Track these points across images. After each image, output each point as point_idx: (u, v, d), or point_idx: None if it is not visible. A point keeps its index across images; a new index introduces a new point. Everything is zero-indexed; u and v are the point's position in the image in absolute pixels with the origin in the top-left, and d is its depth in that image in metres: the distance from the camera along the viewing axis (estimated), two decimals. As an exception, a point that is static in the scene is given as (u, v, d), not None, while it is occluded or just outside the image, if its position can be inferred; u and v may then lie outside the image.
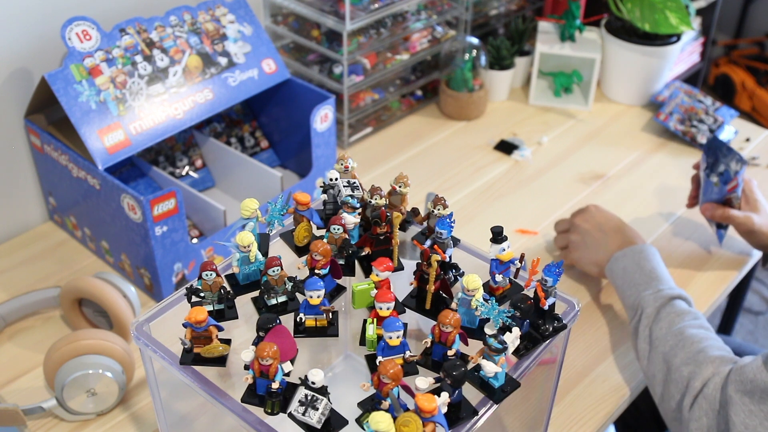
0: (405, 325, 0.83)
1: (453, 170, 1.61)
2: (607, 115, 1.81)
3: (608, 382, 1.19)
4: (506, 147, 1.68)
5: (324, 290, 0.85)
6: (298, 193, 0.93)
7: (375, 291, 0.86)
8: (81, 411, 1.08)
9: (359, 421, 0.78)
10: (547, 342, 0.86)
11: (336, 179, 0.96)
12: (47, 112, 1.35)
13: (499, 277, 0.91)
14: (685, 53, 2.22)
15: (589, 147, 1.70)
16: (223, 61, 1.36)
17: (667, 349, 1.09)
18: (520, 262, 0.91)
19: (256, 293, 0.90)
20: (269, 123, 1.57)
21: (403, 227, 0.98)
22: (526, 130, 1.74)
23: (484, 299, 0.84)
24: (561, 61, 1.84)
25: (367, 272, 0.92)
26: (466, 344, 0.83)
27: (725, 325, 1.94)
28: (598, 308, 1.31)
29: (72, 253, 1.39)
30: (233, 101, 1.37)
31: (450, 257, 0.92)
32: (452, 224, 0.91)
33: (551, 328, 0.86)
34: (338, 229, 0.91)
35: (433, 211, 0.94)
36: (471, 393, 0.80)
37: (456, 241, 0.95)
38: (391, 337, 0.79)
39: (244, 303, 0.90)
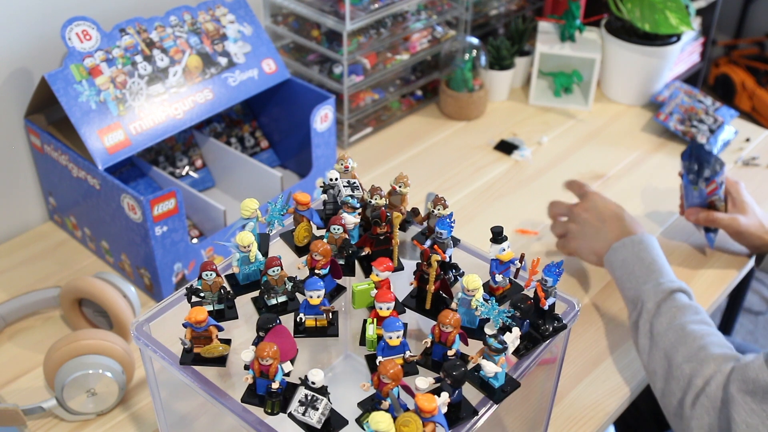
0: (405, 325, 0.83)
1: (453, 170, 1.61)
2: (607, 115, 1.81)
3: (608, 382, 1.19)
4: (506, 147, 1.68)
5: (324, 290, 0.85)
6: (298, 193, 0.93)
7: (375, 291, 0.86)
8: (81, 411, 1.08)
9: (359, 421, 0.78)
10: (547, 342, 0.86)
11: (336, 179, 0.96)
12: (47, 112, 1.35)
13: (499, 277, 0.91)
14: (685, 53, 2.22)
15: (589, 147, 1.70)
16: (223, 61, 1.37)
17: (669, 345, 1.08)
18: (520, 262, 0.91)
19: (256, 293, 0.90)
20: (269, 123, 1.57)
21: (403, 227, 0.98)
22: (526, 130, 1.74)
23: (484, 299, 0.84)
24: (561, 61, 1.84)
25: (367, 272, 0.92)
26: (466, 344, 0.83)
27: (725, 325, 1.94)
28: (598, 308, 1.31)
29: (72, 253, 1.39)
30: (233, 101, 1.37)
31: (450, 257, 0.92)
32: (452, 224, 0.91)
33: (551, 328, 0.86)
34: (338, 229, 0.91)
35: (433, 211, 0.94)
36: (471, 393, 0.80)
37: (456, 241, 0.95)
38: (391, 337, 0.79)
39: (244, 303, 0.90)
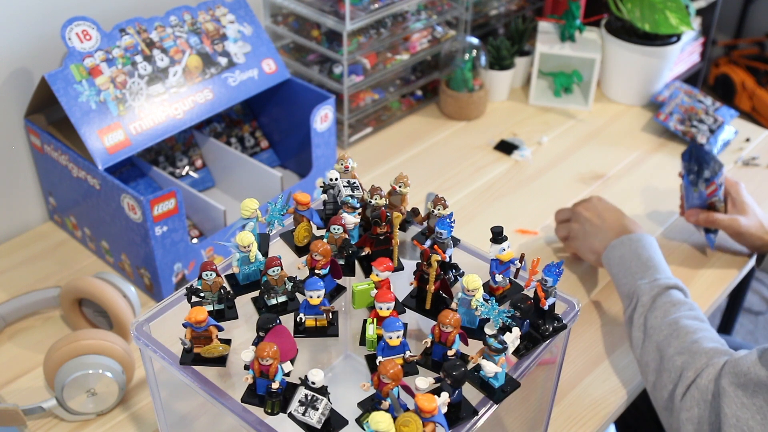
0: (405, 325, 0.83)
1: (453, 170, 1.61)
2: (607, 115, 1.81)
3: (608, 382, 1.19)
4: (506, 147, 1.68)
5: (324, 290, 0.85)
6: (298, 193, 0.93)
7: (375, 291, 0.86)
8: (81, 411, 1.08)
9: (359, 421, 0.78)
10: (547, 342, 0.86)
11: (336, 179, 0.96)
12: (47, 112, 1.35)
13: (499, 277, 0.91)
14: (685, 53, 2.22)
15: (589, 147, 1.70)
16: (223, 61, 1.37)
17: (662, 338, 1.09)
18: (520, 262, 0.91)
19: (256, 293, 0.90)
20: (269, 123, 1.57)
21: (403, 227, 0.98)
22: (526, 130, 1.74)
23: (484, 299, 0.84)
24: (561, 61, 1.84)
25: (367, 272, 0.92)
26: (466, 344, 0.83)
27: (725, 325, 1.94)
28: (598, 308, 1.31)
29: (72, 253, 1.39)
30: (233, 101, 1.37)
31: (450, 257, 0.92)
32: (452, 224, 0.91)
33: (551, 328, 0.86)
34: (338, 229, 0.91)
35: (433, 211, 0.94)
36: (471, 393, 0.80)
37: (456, 241, 0.95)
38: (391, 337, 0.79)
39: (244, 303, 0.90)
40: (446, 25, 1.77)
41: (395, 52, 1.67)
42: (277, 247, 0.95)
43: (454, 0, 1.74)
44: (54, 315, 1.27)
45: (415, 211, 0.98)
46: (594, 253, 1.29)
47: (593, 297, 1.33)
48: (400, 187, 0.96)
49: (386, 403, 0.75)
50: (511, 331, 0.82)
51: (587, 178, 1.60)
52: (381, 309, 0.83)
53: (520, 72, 1.86)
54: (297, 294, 0.88)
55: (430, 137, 1.71)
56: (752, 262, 1.41)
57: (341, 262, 0.93)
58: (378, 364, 0.77)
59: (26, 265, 1.36)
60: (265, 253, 0.93)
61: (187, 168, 1.51)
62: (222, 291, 0.87)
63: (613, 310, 1.30)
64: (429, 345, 0.83)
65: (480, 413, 0.79)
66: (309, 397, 0.76)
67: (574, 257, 1.38)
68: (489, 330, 0.83)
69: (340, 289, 0.92)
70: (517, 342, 0.83)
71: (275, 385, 0.78)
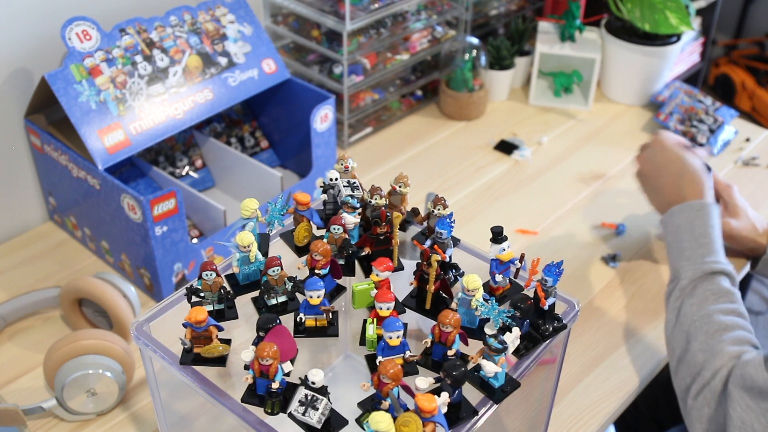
0: (405, 325, 0.83)
1: (453, 170, 1.61)
2: (607, 115, 1.81)
3: (608, 382, 1.19)
4: (506, 147, 1.68)
5: (324, 290, 0.85)
6: (298, 193, 0.93)
7: (375, 291, 0.86)
8: (81, 411, 1.08)
9: (359, 421, 0.78)
10: (547, 342, 0.86)
11: (336, 179, 0.96)
12: (47, 112, 1.35)
13: (499, 277, 0.91)
14: (685, 53, 2.22)
15: (589, 147, 1.70)
16: (223, 61, 1.37)
17: (692, 328, 1.08)
18: (520, 262, 0.91)
19: (256, 293, 0.90)
20: (269, 123, 1.57)
21: (403, 227, 0.98)
22: (526, 130, 1.74)
23: (484, 299, 0.84)
24: (561, 61, 1.84)
25: (367, 272, 0.92)
26: (466, 344, 0.83)
27: (725, 325, 1.94)
28: (598, 308, 1.31)
29: (72, 253, 1.39)
30: (233, 101, 1.37)
31: (450, 257, 0.92)
32: (452, 224, 0.91)
33: (551, 328, 0.86)
34: (338, 229, 0.91)
35: (433, 211, 0.94)
36: (471, 393, 0.80)
37: (456, 241, 0.95)
38: (391, 337, 0.79)
39: (244, 303, 0.90)
40: (446, 25, 1.77)
41: (395, 52, 1.67)
42: (277, 247, 0.95)
43: (454, 0, 1.74)
44: (54, 315, 1.27)
45: (415, 211, 0.98)
46: (658, 205, 1.30)
47: (593, 297, 1.33)
48: (400, 187, 0.96)
49: (386, 403, 0.75)
50: (511, 331, 0.82)
51: (587, 178, 1.60)
52: (381, 309, 0.83)
53: (520, 72, 1.86)
54: (297, 294, 0.88)
55: (430, 137, 1.71)
56: (749, 264, 1.40)
57: (341, 262, 0.93)
58: (378, 364, 0.77)
59: (26, 265, 1.36)
60: (265, 253, 0.93)
61: (187, 168, 1.50)
62: (222, 291, 0.87)
63: (613, 310, 1.30)
64: (429, 345, 0.83)
65: (480, 413, 0.78)
66: (309, 397, 0.76)
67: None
68: (489, 330, 0.83)
69: (340, 289, 0.92)
70: (517, 342, 0.83)
71: (275, 385, 0.78)
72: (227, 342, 0.84)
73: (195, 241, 1.36)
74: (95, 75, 1.24)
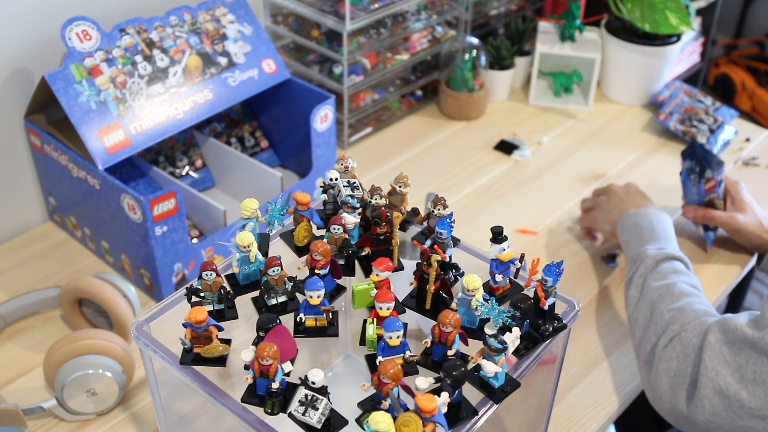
0: (405, 325, 0.83)
1: (453, 170, 1.61)
2: (607, 115, 1.81)
3: (608, 382, 1.19)
4: (506, 147, 1.68)
5: (324, 290, 0.85)
6: (298, 193, 0.93)
7: (375, 291, 0.86)
8: (81, 411, 1.08)
9: (359, 421, 0.78)
10: (547, 342, 0.86)
11: (336, 179, 0.96)
12: (47, 112, 1.35)
13: (499, 277, 0.91)
14: (685, 53, 2.22)
15: (589, 147, 1.70)
16: (223, 61, 1.37)
17: (656, 297, 1.12)
18: (520, 262, 0.91)
19: (256, 293, 0.90)
20: (269, 123, 1.57)
21: (403, 227, 0.98)
22: (526, 130, 1.74)
23: (484, 299, 0.84)
24: (561, 61, 1.84)
25: (367, 272, 0.92)
26: (466, 344, 0.83)
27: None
28: (598, 308, 1.31)
29: (72, 253, 1.39)
30: (233, 101, 1.37)
31: (450, 257, 0.92)
32: (452, 224, 0.91)
33: (551, 328, 0.86)
34: (338, 229, 0.91)
35: (433, 211, 0.94)
36: (471, 393, 0.80)
37: (456, 241, 0.95)
38: (391, 337, 0.79)
39: (244, 303, 0.90)
40: (446, 25, 1.77)
41: (395, 52, 1.67)
42: (277, 247, 0.95)
43: (454, 0, 1.74)
44: (54, 315, 1.27)
45: (415, 211, 0.98)
46: (610, 223, 1.32)
47: (593, 297, 1.33)
48: (400, 187, 0.96)
49: (386, 403, 0.75)
50: (511, 331, 0.82)
51: (587, 178, 1.60)
52: (381, 309, 0.83)
53: (520, 72, 1.86)
54: (297, 294, 0.88)
55: (430, 137, 1.71)
56: (752, 262, 1.41)
57: (341, 262, 0.93)
58: (378, 364, 0.77)
59: (26, 265, 1.36)
60: (265, 253, 0.93)
61: (187, 168, 1.51)
62: (222, 291, 0.87)
63: (613, 310, 1.30)
64: (429, 345, 0.83)
65: (480, 413, 0.79)
66: (309, 397, 0.76)
67: (585, 232, 1.42)
68: (489, 330, 0.83)
69: (340, 289, 0.92)
70: (517, 342, 0.83)
71: (275, 385, 0.78)
72: (227, 342, 0.84)
73: (195, 241, 1.36)
74: (95, 75, 1.24)
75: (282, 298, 0.88)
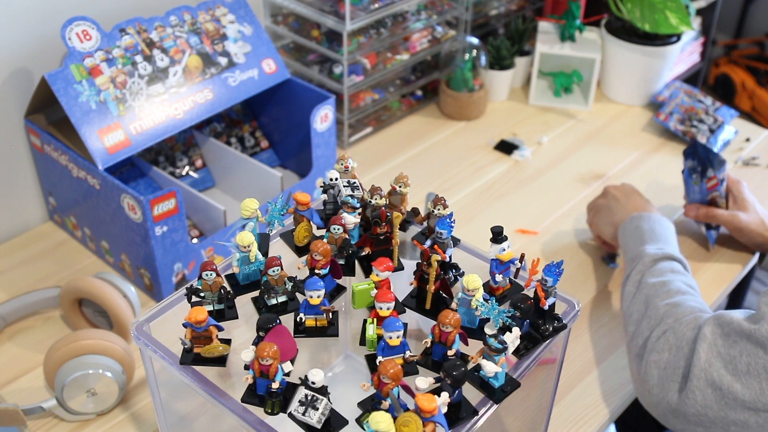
0: (405, 325, 0.83)
1: (453, 170, 1.61)
2: (607, 115, 1.81)
3: (608, 382, 1.19)
4: (506, 147, 1.68)
5: (324, 290, 0.85)
6: (298, 193, 0.93)
7: (375, 291, 0.86)
8: (81, 411, 1.08)
9: (359, 421, 0.78)
10: (547, 342, 0.86)
11: (336, 179, 0.96)
12: (47, 112, 1.35)
13: (499, 277, 0.91)
14: (685, 53, 2.22)
15: (589, 147, 1.70)
16: (223, 61, 1.37)
17: (652, 292, 1.12)
18: (520, 262, 0.91)
19: (256, 293, 0.90)
20: (269, 123, 1.57)
21: (403, 227, 0.98)
22: (526, 130, 1.74)
23: (484, 299, 0.84)
24: (561, 61, 1.84)
25: (367, 272, 0.92)
26: (466, 344, 0.83)
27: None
28: (598, 308, 1.31)
29: (72, 253, 1.39)
30: (233, 101, 1.37)
31: (450, 257, 0.92)
32: (452, 224, 0.91)
33: (551, 328, 0.86)
34: (338, 229, 0.91)
35: (433, 211, 0.94)
36: (471, 393, 0.80)
37: (456, 241, 0.95)
38: (391, 337, 0.79)
39: (244, 303, 0.90)
40: (446, 25, 1.77)
41: (395, 52, 1.67)
42: (277, 247, 0.95)
43: (454, 0, 1.74)
44: (54, 315, 1.27)
45: (415, 211, 0.98)
46: (612, 226, 1.32)
47: (593, 297, 1.33)
48: (400, 187, 0.96)
49: (386, 403, 0.75)
50: (511, 331, 0.82)
51: (587, 178, 1.60)
52: (381, 309, 0.83)
53: (520, 72, 1.86)
54: (297, 294, 0.88)
55: (430, 137, 1.71)
56: (755, 259, 1.41)
57: (341, 262, 0.93)
58: (378, 364, 0.77)
59: (26, 265, 1.36)
60: (265, 253, 0.93)
61: (187, 168, 1.51)
62: (222, 291, 0.87)
63: (613, 310, 1.30)
64: (429, 345, 0.83)
65: (480, 413, 0.79)
66: (309, 397, 0.76)
67: (596, 238, 1.41)
68: (489, 330, 0.83)
69: (340, 289, 0.92)
70: (517, 342, 0.83)
71: (275, 385, 0.78)
72: (227, 342, 0.84)
73: (195, 241, 1.36)
74: (95, 75, 1.24)
75: (282, 298, 0.88)
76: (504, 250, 0.89)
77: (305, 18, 1.60)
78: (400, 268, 0.93)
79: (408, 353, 0.81)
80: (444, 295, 0.90)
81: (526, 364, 0.85)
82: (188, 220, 1.39)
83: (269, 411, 0.78)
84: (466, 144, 1.69)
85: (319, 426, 0.76)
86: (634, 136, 1.74)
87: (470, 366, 0.81)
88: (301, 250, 0.95)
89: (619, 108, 1.83)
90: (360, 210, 0.95)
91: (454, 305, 0.88)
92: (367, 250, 0.94)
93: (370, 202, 0.94)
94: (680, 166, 1.41)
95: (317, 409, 0.76)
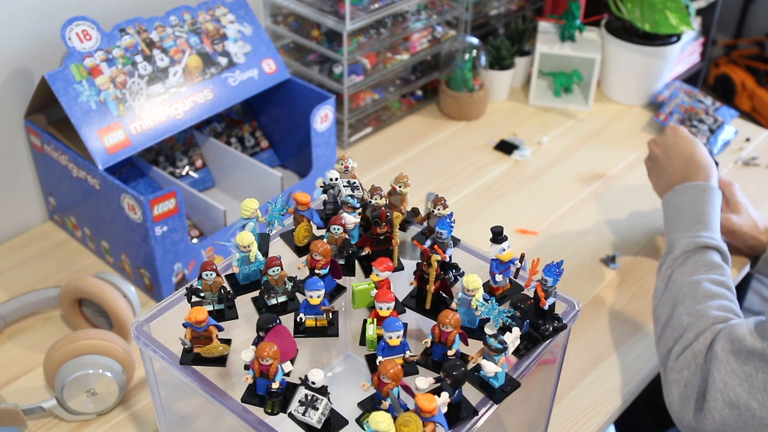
0: (405, 325, 0.83)
1: (453, 170, 1.61)
2: (607, 115, 1.81)
3: (608, 382, 1.19)
4: (506, 147, 1.68)
5: (324, 290, 0.85)
6: (298, 193, 0.93)
7: (375, 291, 0.86)
8: (81, 411, 1.08)
9: (359, 421, 0.78)
10: (547, 342, 0.86)
11: (336, 179, 0.96)
12: (47, 112, 1.35)
13: (499, 277, 0.91)
14: (685, 53, 2.22)
15: (589, 147, 1.70)
16: (223, 61, 1.37)
17: (679, 294, 1.09)
18: (520, 262, 0.91)
19: (256, 293, 0.90)
20: (269, 123, 1.57)
21: (403, 227, 0.98)
22: (526, 130, 1.74)
23: (484, 299, 0.84)
24: (561, 61, 1.84)
25: (367, 272, 0.92)
26: (466, 344, 0.83)
27: (725, 325, 1.94)
28: (598, 308, 1.31)
29: (72, 253, 1.39)
30: (233, 101, 1.37)
31: (450, 257, 0.92)
32: (452, 224, 0.91)
33: (551, 328, 0.86)
34: (338, 229, 0.91)
35: (433, 211, 0.94)
36: (471, 393, 0.80)
37: (456, 241, 0.95)
38: (391, 337, 0.79)
39: (244, 303, 0.90)
40: (446, 25, 1.77)
41: (395, 52, 1.67)
42: (277, 247, 0.95)
43: (454, 0, 1.74)
44: (54, 315, 1.27)
45: (415, 211, 0.98)
46: (659, 194, 1.30)
47: (593, 297, 1.33)
48: (400, 187, 0.96)
49: (386, 403, 0.75)
50: (511, 331, 0.82)
51: (587, 178, 1.60)
52: (381, 309, 0.83)
53: (520, 72, 1.86)
54: (297, 294, 0.88)
55: (430, 137, 1.71)
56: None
57: (341, 262, 0.93)
58: (378, 364, 0.77)
59: (26, 265, 1.36)
60: (265, 253, 0.93)
61: (187, 168, 1.51)
62: (222, 291, 0.87)
63: (613, 310, 1.30)
64: (429, 345, 0.83)
65: (480, 413, 0.78)
66: (309, 397, 0.76)
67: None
68: (489, 330, 0.83)
69: (340, 289, 0.92)
70: (517, 342, 0.83)
71: (275, 385, 0.78)
72: (227, 342, 0.84)
73: (195, 241, 1.36)
74: (95, 75, 1.24)
75: (282, 298, 0.88)
76: (504, 250, 0.89)
77: (305, 18, 1.60)
78: (400, 268, 0.93)
79: (408, 353, 0.81)
80: (444, 295, 0.90)
81: (526, 364, 0.85)
82: (188, 220, 1.39)
83: (269, 411, 0.78)
84: (466, 144, 1.69)
85: (319, 426, 0.76)
86: (634, 136, 1.74)
87: (470, 366, 0.81)
88: (301, 250, 0.95)
89: (619, 108, 1.83)
90: (360, 210, 0.95)
91: (454, 305, 0.88)
92: (367, 250, 0.94)
93: (370, 202, 0.94)
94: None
95: (317, 409, 0.76)
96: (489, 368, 0.79)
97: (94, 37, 1.25)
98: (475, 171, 1.61)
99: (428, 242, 0.92)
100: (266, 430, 0.77)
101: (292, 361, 0.82)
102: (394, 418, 0.72)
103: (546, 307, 0.87)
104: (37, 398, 1.12)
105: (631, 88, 1.82)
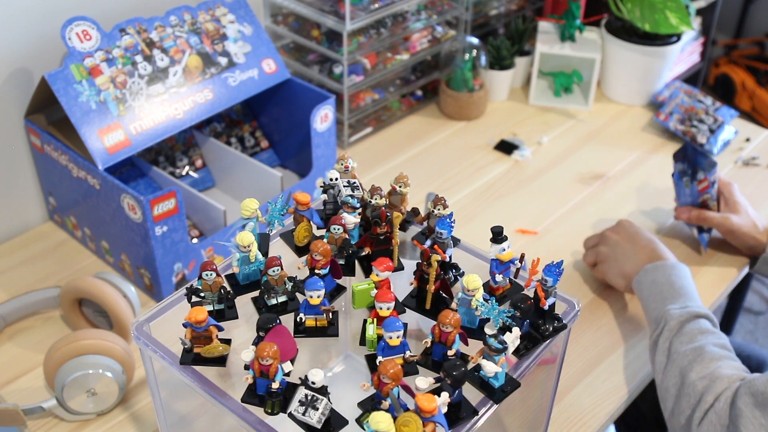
0: (405, 325, 0.83)
1: (453, 170, 1.61)
2: (607, 115, 1.81)
3: (608, 382, 1.19)
4: (506, 147, 1.68)
5: (324, 290, 0.85)
6: (298, 193, 0.93)
7: (375, 291, 0.86)
8: (81, 411, 1.08)
9: (359, 421, 0.78)
10: (547, 342, 0.86)
11: (336, 179, 0.96)
12: (47, 112, 1.35)
13: (499, 277, 0.91)
14: (685, 53, 2.22)
15: (589, 147, 1.70)
16: (223, 61, 1.37)
17: (685, 363, 1.07)
18: (520, 262, 0.91)
19: (256, 293, 0.90)
20: (269, 123, 1.57)
21: (403, 227, 0.98)
22: (526, 130, 1.74)
23: (484, 299, 0.84)
24: (561, 61, 1.84)
25: (367, 272, 0.92)
26: (466, 344, 0.83)
27: (725, 325, 1.94)
28: (598, 308, 1.31)
29: (72, 253, 1.39)
30: (233, 101, 1.37)
31: (450, 257, 0.92)
32: (452, 224, 0.91)
33: (551, 328, 0.86)
34: (338, 229, 0.91)
35: (433, 211, 0.94)
36: (471, 393, 0.80)
37: (456, 241, 0.95)
38: (391, 337, 0.79)
39: (244, 303, 0.90)
40: (446, 25, 1.77)
41: (395, 52, 1.67)
42: (277, 247, 0.96)
43: (454, 0, 1.74)
44: (54, 315, 1.27)
45: (415, 211, 0.98)
46: (624, 278, 1.25)
47: (593, 297, 1.33)
48: (400, 187, 0.96)
49: (386, 403, 0.75)
50: (511, 331, 0.82)
51: (587, 178, 1.60)
52: (381, 309, 0.83)
53: (520, 72, 1.86)
54: (297, 294, 0.88)
55: (430, 137, 1.71)
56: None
57: (341, 262, 0.93)
58: (378, 364, 0.77)
59: (26, 265, 1.36)
60: (265, 253, 0.93)
61: (187, 168, 1.51)
62: (222, 291, 0.87)
63: (613, 310, 1.30)
64: (429, 345, 0.83)
65: (480, 413, 0.79)
66: (309, 397, 0.76)
67: (602, 282, 1.34)
68: (489, 330, 0.83)
69: (340, 289, 0.92)
70: (517, 342, 0.83)
71: (275, 385, 0.78)
72: (227, 342, 0.84)
73: (195, 241, 1.36)
74: (95, 75, 1.24)
75: (282, 298, 0.88)
76: (504, 250, 0.89)
77: (305, 18, 1.60)
78: (400, 268, 0.93)
79: (408, 353, 0.81)
80: (444, 295, 0.90)
81: (526, 364, 0.85)
82: (188, 220, 1.39)
83: (269, 411, 0.78)
84: (466, 144, 1.69)
85: (319, 426, 0.76)
86: (634, 136, 1.74)
87: (470, 366, 0.81)
88: (301, 250, 0.95)
89: (619, 108, 1.83)
90: (360, 210, 0.95)
91: (454, 305, 0.88)
92: (367, 250, 0.94)
93: (370, 202, 0.94)
94: (672, 168, 1.41)
95: (317, 409, 0.76)
96: (489, 368, 0.79)
97: (94, 37, 1.25)
98: (475, 171, 1.61)
99: (428, 242, 0.92)
100: (266, 430, 0.77)
101: (292, 361, 0.82)
102: (394, 418, 0.72)
103: (546, 307, 0.87)
104: (37, 398, 1.12)
105: (631, 88, 1.82)
